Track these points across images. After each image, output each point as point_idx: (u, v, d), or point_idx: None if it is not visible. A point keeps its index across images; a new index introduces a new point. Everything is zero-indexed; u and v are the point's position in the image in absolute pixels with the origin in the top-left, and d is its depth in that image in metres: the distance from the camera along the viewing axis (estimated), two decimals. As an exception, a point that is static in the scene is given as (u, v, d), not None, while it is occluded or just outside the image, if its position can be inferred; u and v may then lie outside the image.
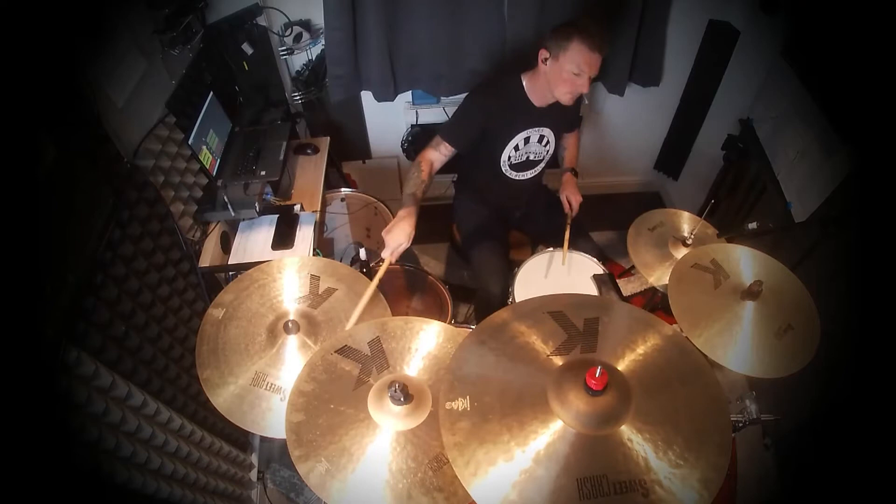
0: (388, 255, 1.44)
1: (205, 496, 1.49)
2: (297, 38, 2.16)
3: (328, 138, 2.25)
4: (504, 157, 1.84)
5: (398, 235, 1.45)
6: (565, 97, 1.66)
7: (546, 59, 1.63)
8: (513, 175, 1.91)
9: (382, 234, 1.47)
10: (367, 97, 2.42)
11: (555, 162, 2.03)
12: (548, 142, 1.88)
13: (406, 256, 2.68)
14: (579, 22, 1.57)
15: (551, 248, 1.82)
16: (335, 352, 1.03)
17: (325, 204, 2.14)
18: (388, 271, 1.89)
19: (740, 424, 1.28)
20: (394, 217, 2.17)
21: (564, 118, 1.90)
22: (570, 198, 1.92)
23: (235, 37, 2.00)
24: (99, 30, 1.33)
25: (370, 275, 1.34)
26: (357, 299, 1.25)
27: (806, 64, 1.82)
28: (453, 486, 0.85)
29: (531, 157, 1.89)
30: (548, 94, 1.71)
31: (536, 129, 1.81)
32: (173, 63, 1.71)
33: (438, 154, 1.70)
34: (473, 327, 1.02)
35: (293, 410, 0.94)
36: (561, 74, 1.60)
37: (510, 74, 1.77)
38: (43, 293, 0.99)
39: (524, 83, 1.74)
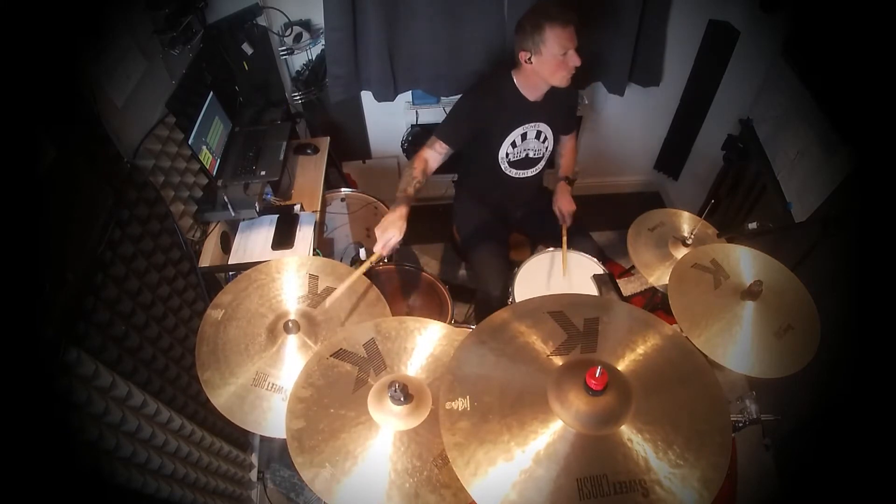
0: (380, 248, 1.46)
1: (205, 496, 1.49)
2: (297, 38, 2.16)
3: (328, 138, 2.25)
4: (502, 153, 1.84)
5: (389, 229, 1.46)
6: (563, 80, 1.68)
7: (529, 59, 1.65)
8: (512, 173, 1.92)
9: (375, 229, 1.49)
10: (367, 97, 2.42)
11: (551, 163, 2.03)
12: (546, 138, 1.88)
13: (406, 256, 2.70)
14: (538, 10, 1.60)
15: (551, 249, 1.82)
16: (331, 356, 1.03)
17: (325, 204, 2.14)
18: (388, 271, 1.91)
19: (740, 424, 1.28)
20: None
21: (560, 113, 1.90)
22: (563, 209, 1.90)
23: (235, 37, 2.00)
24: (99, 30, 1.33)
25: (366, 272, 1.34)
26: (356, 298, 1.25)
27: (806, 64, 1.82)
28: (460, 483, 0.85)
29: (530, 155, 1.89)
30: (541, 86, 1.74)
31: (533, 124, 1.82)
32: (173, 63, 1.71)
33: (434, 152, 1.71)
34: (473, 327, 1.02)
35: (293, 417, 0.94)
36: (551, 63, 1.63)
37: (501, 72, 1.79)
38: (43, 293, 0.99)
39: (515, 80, 1.76)
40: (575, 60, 1.63)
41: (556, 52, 1.60)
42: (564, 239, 1.81)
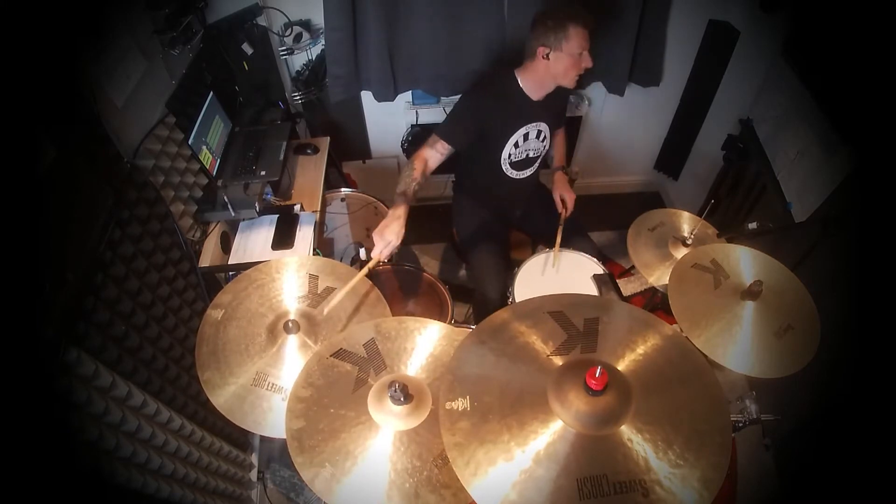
0: (377, 253, 1.44)
1: (205, 496, 1.49)
2: (297, 38, 2.16)
3: (328, 138, 2.25)
4: (504, 155, 1.84)
5: (388, 234, 1.44)
6: (573, 81, 1.71)
7: (547, 54, 1.65)
8: (513, 174, 1.92)
9: (373, 234, 1.48)
10: (367, 97, 2.42)
11: (545, 162, 2.03)
12: (545, 137, 1.89)
13: (406, 256, 2.70)
14: (562, 8, 1.63)
15: (554, 248, 1.82)
16: (331, 356, 1.03)
17: (325, 204, 2.14)
18: (388, 271, 1.91)
19: (740, 424, 1.28)
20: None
21: (557, 112, 1.94)
22: (565, 196, 1.93)
23: (235, 37, 2.01)
24: (99, 30, 1.33)
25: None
26: (356, 298, 1.25)
27: (806, 64, 1.82)
28: (460, 483, 0.85)
29: (531, 155, 1.90)
30: (547, 84, 1.74)
31: (534, 124, 1.82)
32: (173, 63, 1.71)
33: (434, 152, 1.69)
34: (473, 327, 1.02)
35: (293, 417, 0.94)
36: (566, 62, 1.65)
37: (504, 72, 1.78)
38: (43, 293, 0.99)
39: (519, 79, 1.75)
40: (587, 62, 1.65)
41: (575, 52, 1.63)
42: (560, 230, 1.83)
